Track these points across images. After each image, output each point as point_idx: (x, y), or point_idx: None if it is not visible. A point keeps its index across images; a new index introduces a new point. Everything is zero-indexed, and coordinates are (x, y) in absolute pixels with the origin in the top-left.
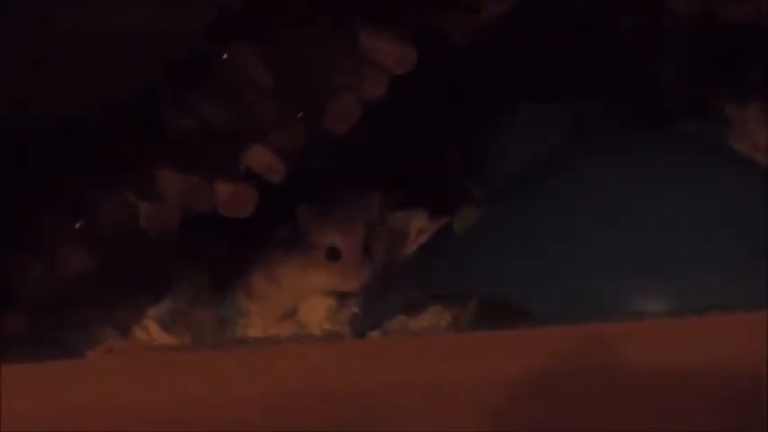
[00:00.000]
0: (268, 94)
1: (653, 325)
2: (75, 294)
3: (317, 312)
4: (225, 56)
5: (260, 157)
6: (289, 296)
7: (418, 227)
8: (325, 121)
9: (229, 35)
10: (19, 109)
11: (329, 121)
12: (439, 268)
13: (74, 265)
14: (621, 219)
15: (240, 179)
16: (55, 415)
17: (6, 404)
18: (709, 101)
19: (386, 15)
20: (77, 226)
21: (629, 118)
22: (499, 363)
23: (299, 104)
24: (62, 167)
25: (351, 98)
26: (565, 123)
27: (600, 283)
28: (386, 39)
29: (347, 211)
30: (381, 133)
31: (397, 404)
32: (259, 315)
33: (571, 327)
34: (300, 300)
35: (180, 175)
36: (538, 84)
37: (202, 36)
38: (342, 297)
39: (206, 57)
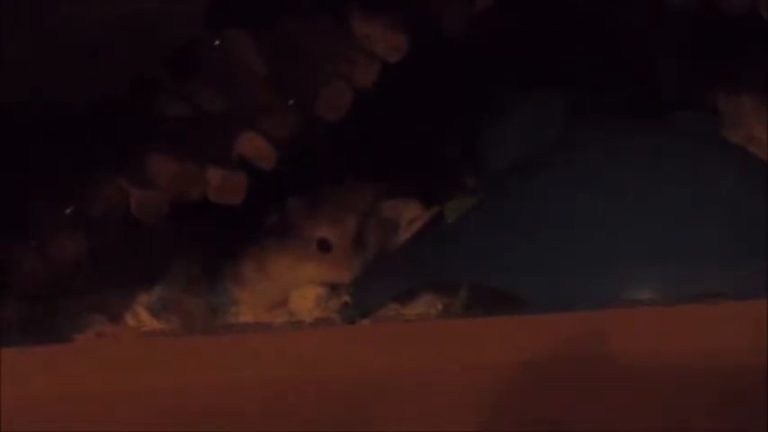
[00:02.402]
0: (260, 80)
1: (649, 313)
2: (67, 281)
3: (307, 301)
4: (217, 42)
5: (252, 144)
6: (279, 286)
7: (410, 216)
8: (318, 109)
9: (222, 22)
10: (11, 95)
11: (321, 109)
12: (431, 257)
13: (65, 251)
14: (617, 207)
15: (232, 166)
16: (46, 399)
17: None
18: (705, 92)
19: (379, 3)
20: (69, 212)
21: (626, 108)
22: (491, 349)
23: (291, 91)
24: (54, 153)
25: (343, 86)
26: (560, 114)
27: (594, 271)
28: (379, 26)
29: (338, 203)
30: (373, 122)
31: (389, 390)
32: (249, 304)
33: (565, 314)
34: (291, 289)
35: (172, 162)
36: (533, 74)
37: (195, 22)
38: (332, 286)
39: (199, 43)
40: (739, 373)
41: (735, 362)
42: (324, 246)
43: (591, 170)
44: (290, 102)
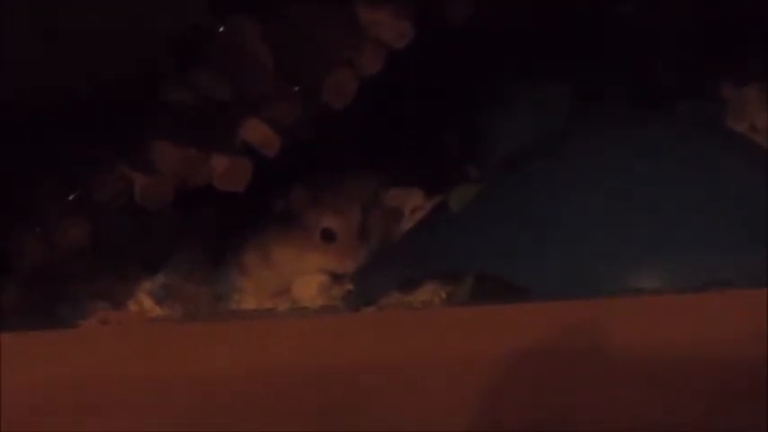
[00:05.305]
0: (266, 67)
1: (651, 302)
2: (70, 266)
3: (310, 289)
4: (222, 29)
5: (256, 131)
6: (282, 275)
7: (414, 204)
8: (323, 96)
9: (228, 8)
10: (16, 82)
11: (327, 96)
12: (435, 246)
13: (69, 237)
14: (620, 196)
15: (236, 152)
16: (47, 385)
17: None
18: (708, 81)
19: None
20: (72, 198)
21: (629, 98)
22: (495, 337)
23: (296, 78)
24: (58, 139)
25: (349, 73)
26: (563, 103)
27: (597, 260)
28: (384, 14)
29: (342, 192)
30: (377, 111)
31: (393, 377)
32: (252, 293)
33: (569, 303)
34: (294, 278)
35: (176, 148)
36: (537, 63)
37: (201, 9)
38: (336, 275)
39: (204, 30)
40: (744, 361)
41: (740, 350)
42: (328, 235)
43: (594, 160)
44: (295, 89)
